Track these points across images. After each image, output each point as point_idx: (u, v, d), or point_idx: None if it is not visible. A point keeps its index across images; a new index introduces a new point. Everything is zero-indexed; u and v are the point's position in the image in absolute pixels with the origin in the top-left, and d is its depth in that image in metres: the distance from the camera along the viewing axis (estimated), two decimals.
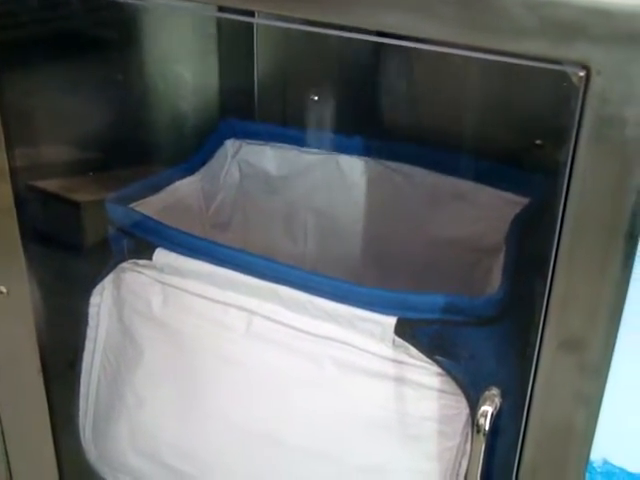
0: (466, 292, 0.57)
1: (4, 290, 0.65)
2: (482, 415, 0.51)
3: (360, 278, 0.79)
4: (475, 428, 0.52)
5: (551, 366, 0.46)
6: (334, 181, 0.83)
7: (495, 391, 0.53)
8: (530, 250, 0.60)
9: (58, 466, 0.74)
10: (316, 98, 0.86)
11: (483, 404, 0.52)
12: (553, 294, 0.44)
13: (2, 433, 0.72)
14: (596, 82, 0.39)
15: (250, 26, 0.90)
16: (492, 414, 0.51)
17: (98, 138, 0.85)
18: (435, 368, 0.56)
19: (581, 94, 0.40)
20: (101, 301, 0.69)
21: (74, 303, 0.71)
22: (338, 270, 0.72)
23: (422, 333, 0.56)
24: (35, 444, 0.73)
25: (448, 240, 0.78)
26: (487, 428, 0.51)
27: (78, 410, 0.73)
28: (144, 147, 0.84)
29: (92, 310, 0.69)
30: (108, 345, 0.70)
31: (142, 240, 0.65)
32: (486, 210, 0.74)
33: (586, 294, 0.44)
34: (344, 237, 0.84)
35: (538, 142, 0.75)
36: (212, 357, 0.63)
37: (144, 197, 0.71)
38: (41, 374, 0.69)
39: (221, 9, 0.73)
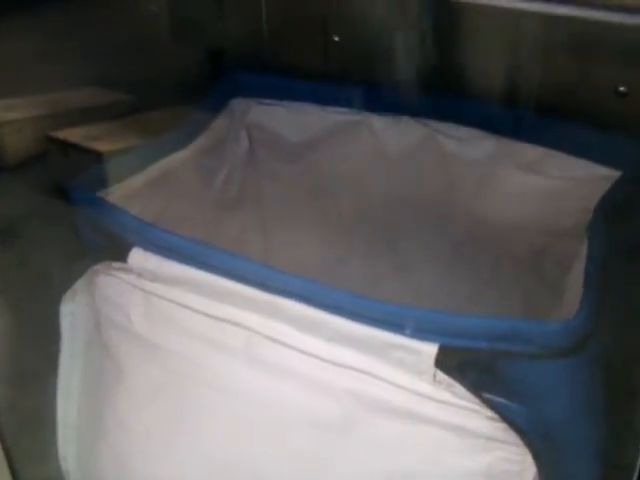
0: (529, 289, 0.51)
1: None
2: None
3: (400, 261, 0.73)
4: None
5: None
6: (366, 147, 0.73)
7: None
8: (625, 245, 0.49)
9: None
10: (337, 39, 0.74)
11: None
12: None
13: None
14: None
15: None
16: None
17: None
18: (487, 411, 0.45)
19: None
20: (74, 309, 0.58)
21: (42, 313, 0.61)
22: (375, 256, 0.68)
23: (471, 366, 0.44)
24: None
25: (510, 222, 0.67)
26: None
27: (56, 437, 0.63)
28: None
29: (64, 321, 0.59)
30: (88, 361, 0.59)
31: (114, 237, 0.53)
32: (561, 185, 0.64)
33: None
34: (379, 215, 0.75)
35: (622, 89, 0.62)
36: (202, 381, 0.53)
37: (125, 177, 0.61)
38: None
39: None
